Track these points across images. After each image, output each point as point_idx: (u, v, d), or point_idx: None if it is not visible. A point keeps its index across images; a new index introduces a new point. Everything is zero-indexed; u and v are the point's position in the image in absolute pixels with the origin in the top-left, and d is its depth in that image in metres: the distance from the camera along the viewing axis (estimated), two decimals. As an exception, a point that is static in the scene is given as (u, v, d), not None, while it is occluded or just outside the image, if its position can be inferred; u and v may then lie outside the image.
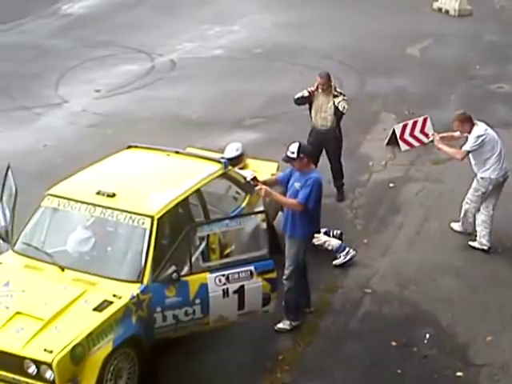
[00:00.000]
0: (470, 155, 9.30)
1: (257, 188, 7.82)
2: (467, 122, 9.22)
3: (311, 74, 13.30)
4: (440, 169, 11.32)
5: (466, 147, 9.20)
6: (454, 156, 9.51)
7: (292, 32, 18.38)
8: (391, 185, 11.08)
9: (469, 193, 9.45)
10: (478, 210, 9.42)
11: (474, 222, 9.53)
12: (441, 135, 9.67)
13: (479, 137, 9.08)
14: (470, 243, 9.51)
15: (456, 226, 9.80)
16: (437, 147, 9.68)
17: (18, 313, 6.61)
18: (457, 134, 9.59)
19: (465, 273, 9.00)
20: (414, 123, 12.28)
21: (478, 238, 9.46)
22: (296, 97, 10.42)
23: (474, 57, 16.85)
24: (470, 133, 9.19)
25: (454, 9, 20.75)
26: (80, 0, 22.16)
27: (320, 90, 10.23)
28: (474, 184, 9.37)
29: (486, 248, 9.42)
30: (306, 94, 10.29)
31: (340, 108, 10.20)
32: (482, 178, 9.25)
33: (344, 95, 10.29)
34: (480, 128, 9.19)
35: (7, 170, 8.02)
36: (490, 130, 9.27)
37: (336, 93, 10.26)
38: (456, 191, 10.29)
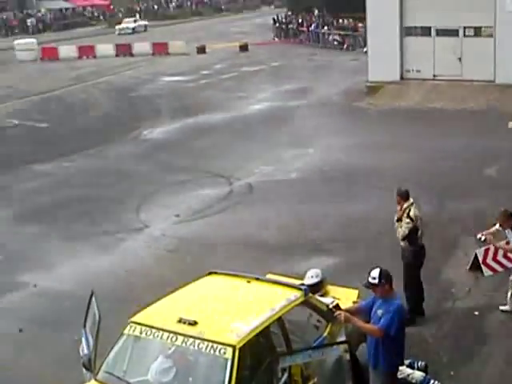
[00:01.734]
0: None
1: (336, 313, 7.69)
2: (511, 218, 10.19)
3: (388, 196, 13.31)
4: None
5: None
6: None
7: (366, 154, 18.55)
8: (476, 313, 10.75)
9: None
10: None
11: None
12: (485, 232, 10.65)
13: None
14: None
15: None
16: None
17: None
18: (493, 229, 10.52)
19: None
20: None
21: None
22: None
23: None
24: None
25: (531, 129, 20.72)
26: (159, 126, 23.09)
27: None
28: None
29: None
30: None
31: (400, 234, 10.20)
32: None
33: (411, 220, 10.11)
34: None
35: (91, 297, 8.07)
36: None
37: (405, 216, 10.16)
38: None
